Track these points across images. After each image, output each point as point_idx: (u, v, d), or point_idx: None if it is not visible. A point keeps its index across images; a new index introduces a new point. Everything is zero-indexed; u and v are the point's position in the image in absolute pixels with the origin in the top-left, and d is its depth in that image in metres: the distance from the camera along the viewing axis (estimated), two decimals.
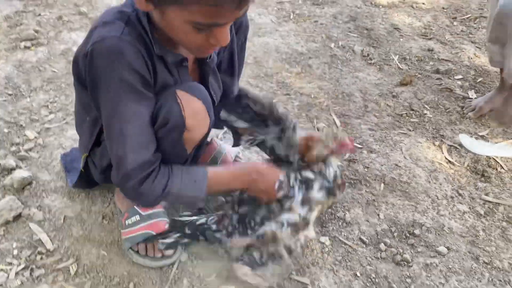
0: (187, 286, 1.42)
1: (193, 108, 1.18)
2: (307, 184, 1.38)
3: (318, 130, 1.65)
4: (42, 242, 1.51)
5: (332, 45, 2.78)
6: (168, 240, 1.42)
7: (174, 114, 1.16)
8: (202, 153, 1.43)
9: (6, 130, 1.92)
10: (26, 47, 2.43)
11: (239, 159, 1.84)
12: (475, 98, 2.32)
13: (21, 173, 1.69)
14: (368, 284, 1.47)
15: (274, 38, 2.76)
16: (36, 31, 2.55)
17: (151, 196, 1.19)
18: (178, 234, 1.40)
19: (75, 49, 2.13)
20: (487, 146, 2.07)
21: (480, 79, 2.55)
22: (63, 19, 2.70)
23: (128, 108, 1.13)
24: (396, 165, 1.93)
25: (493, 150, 2.04)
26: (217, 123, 1.59)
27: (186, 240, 1.42)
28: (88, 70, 1.11)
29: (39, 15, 2.71)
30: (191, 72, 1.31)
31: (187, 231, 1.39)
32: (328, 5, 3.25)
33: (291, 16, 3.06)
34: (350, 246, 1.58)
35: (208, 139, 1.80)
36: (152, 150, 1.18)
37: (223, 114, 1.43)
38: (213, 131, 1.54)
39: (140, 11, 1.11)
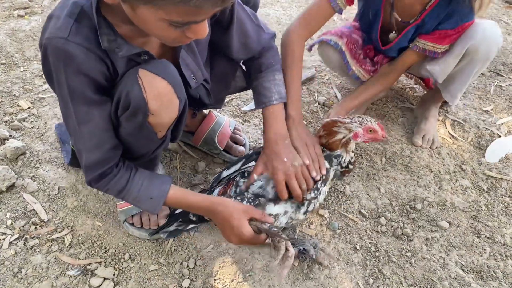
0: (183, 257, 1.40)
1: (157, 89, 1.07)
2: (325, 179, 1.36)
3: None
4: (36, 212, 1.49)
5: (335, 16, 2.70)
6: (170, 229, 1.40)
7: (134, 96, 1.06)
8: (180, 133, 1.32)
9: None
10: (19, 16, 2.36)
11: (238, 131, 1.79)
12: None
13: (14, 143, 1.65)
14: (367, 257, 1.45)
15: (275, 9, 2.69)
16: (30, 0, 2.47)
17: (108, 193, 1.21)
18: (180, 221, 1.37)
19: None
20: (504, 143, 1.96)
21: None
22: None
23: (79, 110, 1.07)
24: (398, 139, 1.89)
25: (511, 146, 1.93)
26: (217, 103, 1.54)
27: (191, 226, 1.41)
28: (42, 63, 1.06)
29: None
30: (162, 53, 1.19)
31: (192, 217, 1.36)
32: None
33: None
34: (350, 219, 1.55)
35: (206, 112, 1.76)
36: (106, 148, 1.13)
37: None
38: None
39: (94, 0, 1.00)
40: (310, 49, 1.82)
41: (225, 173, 1.43)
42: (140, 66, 1.07)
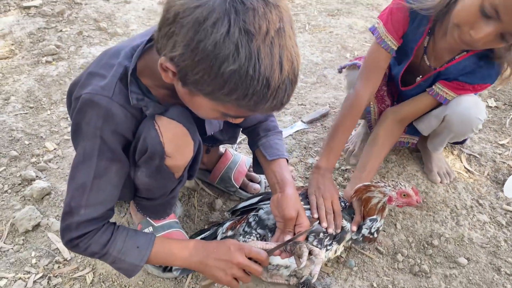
0: None
1: (172, 133, 1.14)
2: (339, 238, 1.38)
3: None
4: (59, 251, 1.54)
5: (348, 55, 2.78)
6: None
7: (151, 140, 1.12)
8: (195, 172, 1.36)
9: (27, 142, 1.97)
10: (47, 62, 2.50)
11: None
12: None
13: (40, 184, 1.73)
14: None
15: None
16: (57, 46, 2.62)
17: (86, 252, 1.15)
18: None
19: None
20: None
21: (499, 87, 2.51)
22: (83, 34, 2.78)
23: (101, 165, 1.10)
24: (413, 174, 1.90)
25: None
26: (230, 140, 1.60)
27: None
28: (76, 114, 1.10)
29: (61, 31, 2.78)
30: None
31: None
32: (343, 16, 3.25)
33: (307, 27, 3.07)
34: (366, 256, 1.55)
35: (222, 150, 1.81)
36: (108, 206, 1.15)
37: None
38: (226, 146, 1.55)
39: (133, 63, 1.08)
40: (340, 71, 1.87)
41: (241, 205, 1.50)
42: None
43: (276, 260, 1.29)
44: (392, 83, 1.83)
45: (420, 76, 1.68)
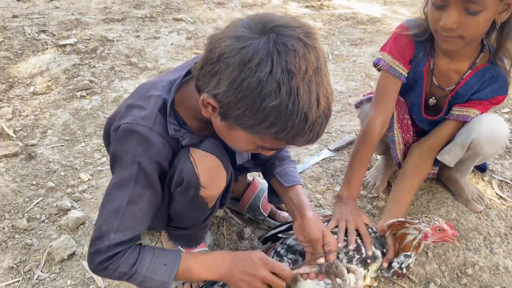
0: None
1: (207, 164, 1.19)
2: (366, 263, 1.37)
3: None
4: (94, 279, 1.57)
5: (372, 83, 2.81)
6: None
7: (187, 172, 1.17)
8: (227, 201, 1.41)
9: (62, 173, 2.05)
10: (82, 96, 2.62)
11: None
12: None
13: (75, 214, 1.79)
14: None
15: None
16: (91, 81, 2.75)
17: (115, 274, 1.15)
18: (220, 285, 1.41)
19: (126, 96, 2.28)
20: None
21: None
22: (115, 69, 2.91)
23: (135, 189, 1.13)
24: (443, 201, 1.87)
25: None
26: (257, 167, 1.62)
27: None
28: (115, 143, 1.14)
29: (94, 67, 2.93)
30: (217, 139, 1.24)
31: None
32: (366, 45, 3.30)
33: (330, 57, 3.13)
34: (398, 285, 1.53)
35: (250, 178, 1.84)
36: (138, 231, 1.17)
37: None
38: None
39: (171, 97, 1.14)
40: (357, 106, 1.87)
41: (271, 232, 1.54)
42: (190, 145, 1.19)
43: (304, 287, 1.29)
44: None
45: (433, 98, 1.70)
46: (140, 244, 1.21)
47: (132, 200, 1.15)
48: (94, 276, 1.58)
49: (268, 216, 1.77)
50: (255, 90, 0.91)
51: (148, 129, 1.11)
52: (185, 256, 1.22)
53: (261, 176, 1.98)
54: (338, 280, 1.24)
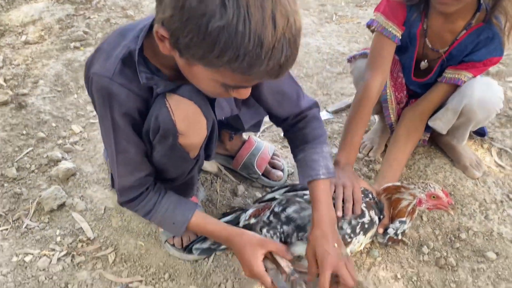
0: (221, 279, 1.41)
1: (184, 110, 1.11)
2: (363, 229, 1.34)
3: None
4: (83, 230, 1.56)
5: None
6: (203, 246, 1.42)
7: (163, 119, 1.11)
8: (212, 152, 1.35)
9: (54, 124, 2.00)
10: (75, 47, 2.53)
11: (277, 156, 1.82)
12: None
13: (66, 165, 1.75)
14: (409, 286, 1.40)
15: (316, 38, 2.74)
16: (85, 33, 2.65)
17: (137, 213, 1.30)
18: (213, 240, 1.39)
19: None
20: None
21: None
22: (110, 21, 2.80)
23: (118, 143, 1.15)
24: (441, 167, 1.84)
25: None
26: (252, 128, 1.58)
27: (223, 246, 1.40)
28: (90, 94, 1.17)
29: (89, 18, 2.82)
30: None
31: None
32: (371, 7, 3.18)
33: (333, 18, 3.02)
34: (391, 247, 1.52)
35: (245, 137, 1.79)
36: (138, 176, 1.21)
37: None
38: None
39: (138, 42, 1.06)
40: (350, 60, 1.82)
41: (267, 197, 1.47)
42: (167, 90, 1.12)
43: (298, 250, 1.29)
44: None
45: (425, 61, 1.65)
46: (161, 192, 1.27)
47: (119, 151, 1.17)
48: (84, 226, 1.56)
49: (262, 174, 1.74)
50: (198, 9, 0.80)
51: (108, 80, 1.06)
52: (195, 220, 1.27)
53: (257, 135, 1.95)
54: None
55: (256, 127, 1.62)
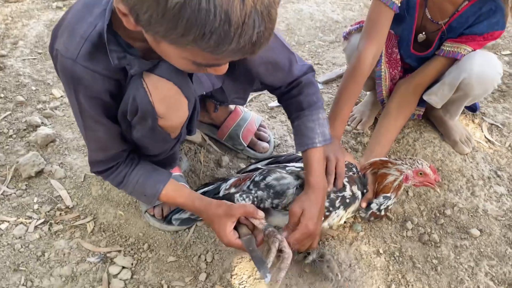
0: (201, 250, 1.39)
1: (162, 92, 1.04)
2: (347, 204, 1.31)
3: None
4: (62, 198, 1.52)
5: None
6: (182, 216, 1.39)
7: (141, 100, 1.03)
8: (194, 128, 1.27)
9: (34, 88, 1.93)
10: (58, 7, 2.43)
11: (263, 128, 1.77)
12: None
13: (45, 130, 1.69)
14: (391, 262, 1.39)
15: (309, 5, 2.64)
16: None
17: (111, 183, 1.28)
18: None
19: None
20: None
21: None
22: None
23: (86, 122, 1.10)
24: (430, 141, 1.81)
25: None
26: (238, 100, 1.51)
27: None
28: (55, 69, 1.08)
29: None
30: None
31: None
32: None
33: None
34: (373, 222, 1.50)
35: (232, 107, 1.74)
36: (108, 153, 1.18)
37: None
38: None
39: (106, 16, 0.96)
40: (346, 38, 1.75)
41: (252, 167, 1.44)
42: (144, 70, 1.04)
43: (275, 221, 1.26)
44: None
45: (423, 33, 1.59)
46: (132, 163, 1.23)
47: (89, 129, 1.13)
48: (63, 194, 1.53)
49: (248, 146, 1.69)
50: None
51: (72, 62, 0.98)
52: (166, 192, 1.23)
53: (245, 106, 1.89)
54: None
55: (241, 100, 1.56)
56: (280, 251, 1.13)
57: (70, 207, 1.49)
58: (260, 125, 1.76)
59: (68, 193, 1.54)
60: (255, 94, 1.99)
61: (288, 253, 1.13)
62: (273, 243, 1.14)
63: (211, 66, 0.90)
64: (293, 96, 1.30)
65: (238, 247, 1.18)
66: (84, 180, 1.58)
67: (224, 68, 0.93)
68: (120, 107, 1.10)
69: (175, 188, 1.26)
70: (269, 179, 1.30)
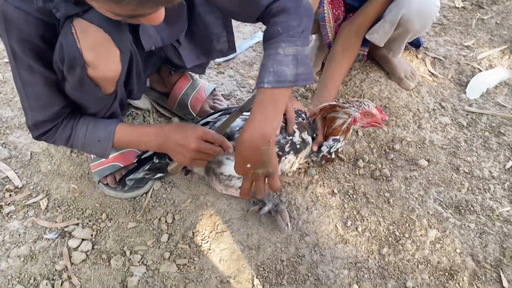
0: (161, 213, 1.39)
1: (91, 38, 0.99)
2: (297, 149, 1.31)
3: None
4: (10, 179, 1.46)
5: None
6: (136, 176, 1.37)
7: (68, 46, 0.99)
8: (135, 89, 1.25)
9: None
10: None
11: (218, 96, 1.71)
12: None
13: None
14: (345, 200, 1.45)
15: None
16: None
17: (56, 144, 1.24)
18: (147, 168, 1.34)
19: None
20: (485, 78, 1.89)
21: None
22: None
23: (21, 72, 1.07)
24: (377, 80, 1.84)
25: (492, 80, 1.88)
26: (196, 68, 1.46)
27: (158, 175, 1.38)
28: None
29: None
30: None
31: (156, 160, 1.32)
32: None
33: None
34: (325, 166, 1.54)
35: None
36: (53, 110, 1.14)
37: None
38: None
39: None
40: None
41: (202, 121, 1.41)
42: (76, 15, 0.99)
43: (228, 170, 1.26)
44: None
45: None
46: (76, 116, 1.19)
47: (26, 83, 1.08)
48: (10, 175, 1.47)
49: (199, 116, 1.64)
50: None
51: (3, 1, 0.94)
52: (120, 130, 1.20)
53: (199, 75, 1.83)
54: None
55: (200, 68, 1.52)
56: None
57: (19, 187, 1.44)
58: (214, 94, 1.71)
59: (16, 172, 1.48)
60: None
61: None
62: None
63: (134, 17, 0.85)
64: (266, 28, 1.13)
65: (211, 138, 1.17)
66: (31, 157, 1.52)
67: (157, 18, 0.88)
68: (54, 56, 1.05)
69: (128, 125, 1.24)
70: (218, 123, 1.29)
